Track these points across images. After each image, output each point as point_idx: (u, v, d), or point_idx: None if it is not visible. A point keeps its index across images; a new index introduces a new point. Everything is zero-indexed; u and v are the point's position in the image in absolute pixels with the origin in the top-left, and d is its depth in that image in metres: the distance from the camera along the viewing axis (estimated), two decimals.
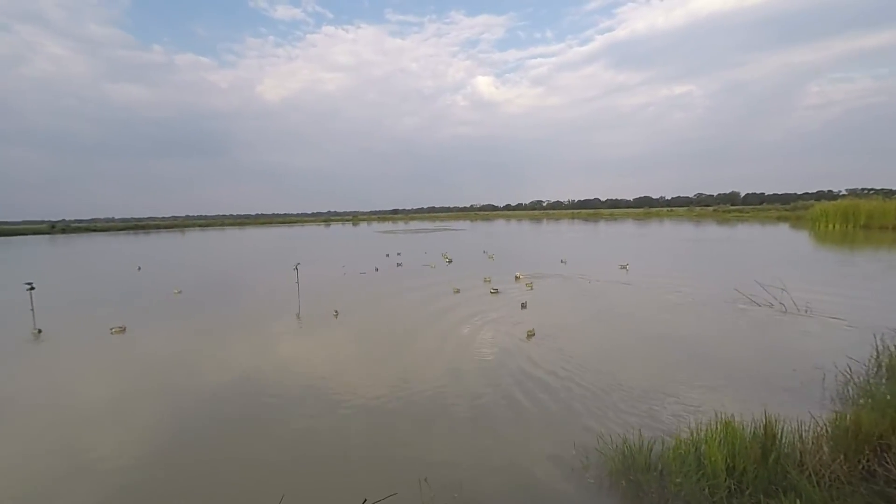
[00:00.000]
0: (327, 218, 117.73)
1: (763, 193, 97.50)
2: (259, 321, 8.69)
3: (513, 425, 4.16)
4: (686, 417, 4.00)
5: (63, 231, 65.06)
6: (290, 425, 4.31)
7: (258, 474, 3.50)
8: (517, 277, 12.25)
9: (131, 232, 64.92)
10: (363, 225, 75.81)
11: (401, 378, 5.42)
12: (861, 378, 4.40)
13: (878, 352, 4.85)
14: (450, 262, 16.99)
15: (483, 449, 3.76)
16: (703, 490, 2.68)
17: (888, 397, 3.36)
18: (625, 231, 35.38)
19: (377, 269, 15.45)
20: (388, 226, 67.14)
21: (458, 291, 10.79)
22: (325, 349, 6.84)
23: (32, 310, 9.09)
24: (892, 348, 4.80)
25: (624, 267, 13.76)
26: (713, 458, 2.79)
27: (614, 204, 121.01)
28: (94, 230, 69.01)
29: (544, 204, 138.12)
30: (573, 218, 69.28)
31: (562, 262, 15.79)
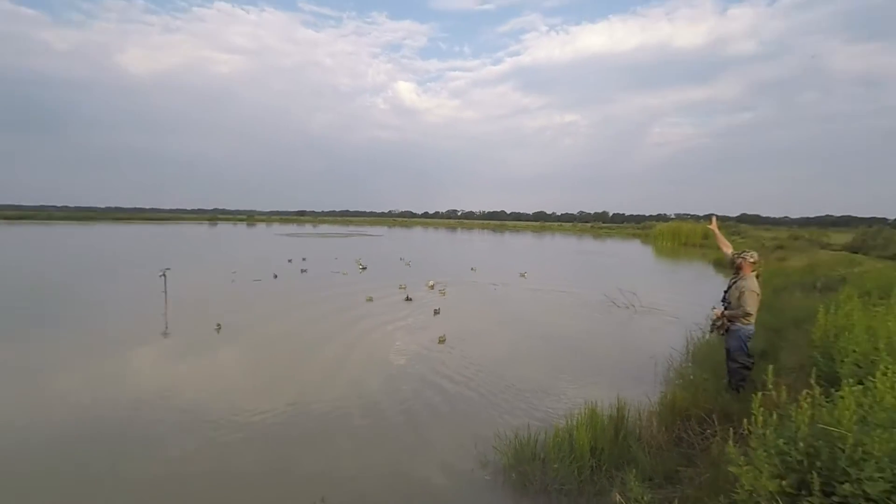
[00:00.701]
0: (214, 216, 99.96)
1: (624, 214, 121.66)
2: (105, 341, 6.93)
3: (418, 432, 4.24)
4: (564, 408, 4.67)
5: None
6: (158, 454, 3.60)
7: None
8: (430, 286, 12.52)
9: None
10: (261, 226, 67.19)
11: (298, 394, 4.99)
12: (677, 363, 5.83)
13: (688, 341, 6.50)
14: (364, 269, 16.35)
15: (387, 459, 3.74)
16: (574, 471, 3.17)
17: (691, 377, 4.55)
18: (525, 242, 39.74)
19: (276, 276, 13.86)
20: (292, 228, 60.97)
21: (371, 300, 10.48)
22: (203, 370, 5.84)
23: None
24: (696, 338, 6.50)
25: (523, 275, 15.40)
26: (581, 442, 3.33)
27: (517, 217, 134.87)
28: None
29: (459, 213, 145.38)
30: (483, 228, 74.47)
31: (472, 269, 16.83)
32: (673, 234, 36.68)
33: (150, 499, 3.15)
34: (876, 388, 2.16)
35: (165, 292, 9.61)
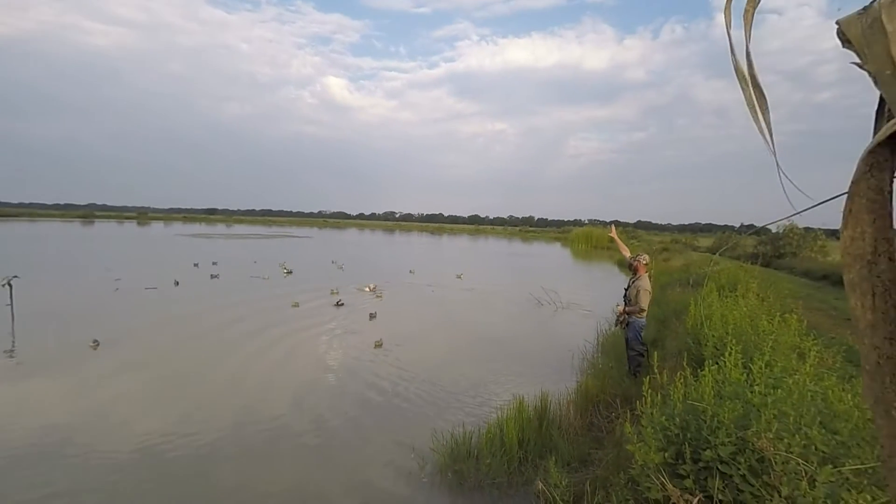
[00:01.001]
0: (89, 212, 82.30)
1: (547, 219, 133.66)
2: None
3: (357, 439, 4.12)
4: (496, 404, 4.97)
5: None
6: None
7: None
8: (368, 289, 12.15)
9: None
10: (158, 225, 57.47)
11: (212, 410, 4.45)
12: (590, 354, 6.64)
13: (598, 334, 7.44)
14: (289, 273, 15.07)
15: (326, 468, 3.58)
16: (504, 465, 3.41)
17: (600, 367, 5.25)
18: (461, 244, 40.99)
19: (177, 283, 11.97)
20: (199, 228, 53.41)
21: (297, 305, 9.75)
22: (74, 393, 4.82)
23: None
24: (604, 331, 7.48)
25: (459, 276, 15.88)
26: (510, 436, 3.59)
27: (454, 220, 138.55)
28: None
29: (397, 215, 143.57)
30: (422, 231, 74.64)
31: (410, 272, 16.77)
32: (586, 238, 41.45)
33: None
34: (726, 366, 2.77)
35: (11, 305, 7.64)
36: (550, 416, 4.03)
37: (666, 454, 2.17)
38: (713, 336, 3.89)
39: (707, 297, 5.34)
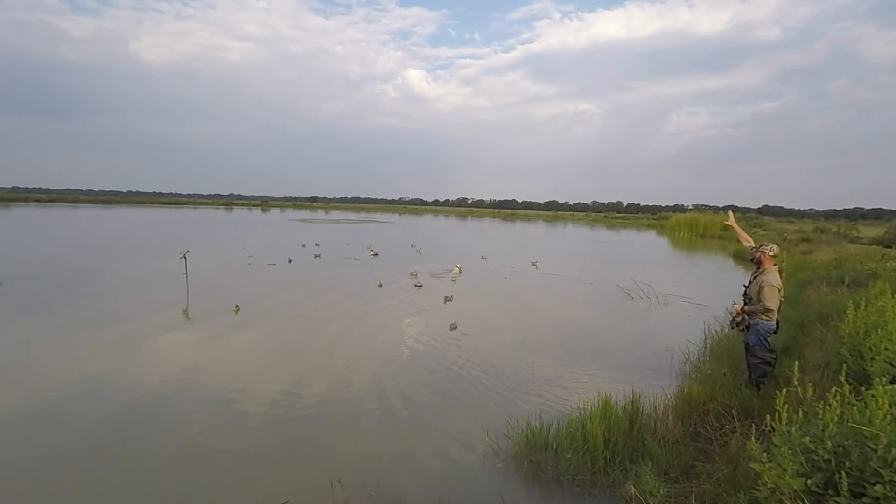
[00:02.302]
0: (229, 201, 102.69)
1: (639, 204, 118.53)
2: (131, 320, 7.20)
3: (431, 417, 4.30)
4: (577, 399, 4.65)
5: None
6: (171, 435, 3.74)
7: (131, 495, 2.93)
8: (457, 268, 12.75)
9: None
10: (275, 211, 68.33)
11: (312, 375, 5.12)
12: (694, 357, 5.73)
13: (705, 335, 6.36)
14: (375, 255, 16.52)
15: (401, 444, 3.81)
16: (587, 462, 3.18)
17: (709, 372, 4.47)
18: (536, 231, 39.25)
19: (291, 261, 14.15)
20: (305, 214, 61.78)
21: (381, 286, 10.59)
22: (221, 348, 6.04)
23: None
24: (714, 332, 6.36)
25: (534, 264, 15.27)
26: (594, 434, 3.32)
27: (529, 206, 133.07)
28: None
29: (469, 202, 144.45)
30: (494, 217, 73.84)
31: (483, 257, 16.78)
32: (690, 226, 35.65)
33: (171, 478, 3.29)
34: None
35: (186, 274, 9.92)
36: (643, 419, 3.60)
37: (810, 481, 1.73)
38: (887, 349, 2.99)
39: (877, 300, 4.08)
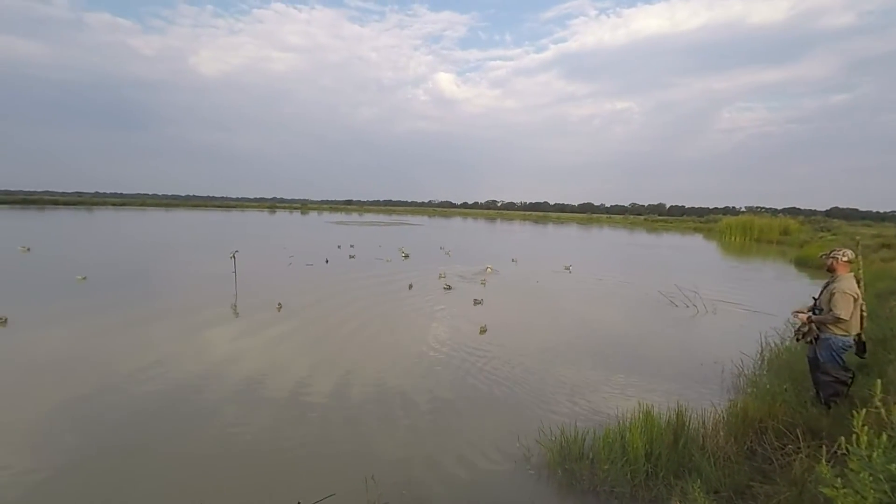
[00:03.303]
0: (272, 204, 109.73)
1: (684, 206, 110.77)
2: (188, 314, 7.84)
3: (461, 420, 4.28)
4: (615, 408, 4.43)
5: None
6: (219, 424, 4.00)
7: (180, 478, 3.19)
8: (489, 269, 12.71)
9: (18, 207, 54.37)
10: (313, 214, 71.90)
11: (347, 374, 5.28)
12: (749, 371, 5.23)
13: (762, 347, 5.80)
14: (406, 256, 16.85)
15: (431, 445, 3.82)
16: (626, 475, 3.00)
17: (767, 387, 4.06)
18: (569, 234, 38.01)
19: (327, 261, 14.79)
20: (340, 216, 64.41)
21: (411, 287, 10.75)
22: (264, 343, 6.40)
23: None
24: (773, 344, 5.78)
25: (567, 268, 14.78)
26: (635, 445, 3.14)
27: (561, 208, 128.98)
28: None
29: (499, 204, 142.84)
30: (524, 219, 72.50)
31: (513, 260, 16.52)
32: (743, 229, 32.77)
33: (205, 467, 3.50)
34: None
35: (235, 272, 10.68)
36: (690, 433, 3.35)
37: None
38: None
39: None
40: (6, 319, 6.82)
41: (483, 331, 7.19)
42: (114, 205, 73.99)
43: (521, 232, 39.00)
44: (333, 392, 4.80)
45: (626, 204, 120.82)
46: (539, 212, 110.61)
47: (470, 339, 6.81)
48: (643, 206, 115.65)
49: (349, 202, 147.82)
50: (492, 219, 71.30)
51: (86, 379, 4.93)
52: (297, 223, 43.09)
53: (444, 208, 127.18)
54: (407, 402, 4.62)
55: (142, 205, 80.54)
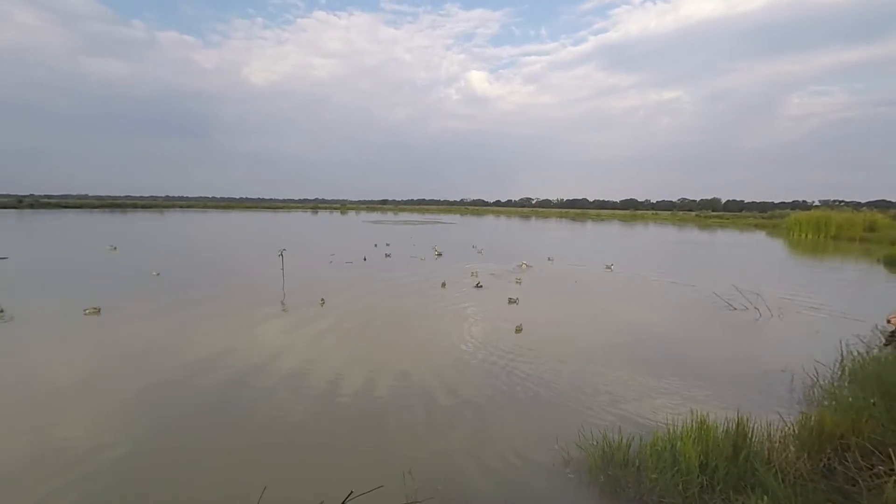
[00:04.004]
0: (315, 205, 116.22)
1: (742, 201, 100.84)
2: (242, 307, 8.50)
3: (497, 418, 4.23)
4: (663, 415, 4.14)
5: (31, 206, 61.93)
6: (272, 414, 4.26)
7: (239, 463, 3.46)
8: (524, 265, 12.53)
9: (107, 210, 62.30)
10: (351, 214, 74.92)
11: (386, 369, 5.42)
12: (826, 381, 4.64)
13: (842, 356, 5.11)
14: (439, 255, 17.01)
15: (468, 442, 3.81)
16: (677, 486, 2.79)
17: (850, 400, 3.56)
18: (611, 232, 36.10)
19: (365, 259, 15.34)
20: (376, 216, 66.54)
21: (444, 285, 10.82)
22: (309, 337, 6.76)
23: None
24: (856, 354, 5.07)
25: (609, 267, 14.05)
26: (687, 455, 2.90)
27: (601, 205, 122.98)
28: (67, 206, 66.01)
29: (533, 202, 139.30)
30: (561, 217, 70.06)
31: (549, 259, 16.03)
32: (817, 225, 29.19)
33: (251, 455, 3.76)
34: None
35: (283, 269, 11.42)
36: (753, 445, 3.03)
37: None
38: None
39: None
40: (100, 309, 7.84)
41: (519, 330, 7.05)
42: (180, 207, 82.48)
43: (557, 230, 37.73)
44: (373, 387, 4.96)
45: (675, 199, 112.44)
46: (577, 209, 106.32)
47: (506, 338, 6.71)
48: (694, 201, 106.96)
49: (385, 202, 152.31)
50: (526, 217, 69.75)
51: (159, 364, 5.52)
52: (337, 223, 45.08)
53: (477, 206, 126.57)
54: (442, 399, 4.66)
55: (203, 207, 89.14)
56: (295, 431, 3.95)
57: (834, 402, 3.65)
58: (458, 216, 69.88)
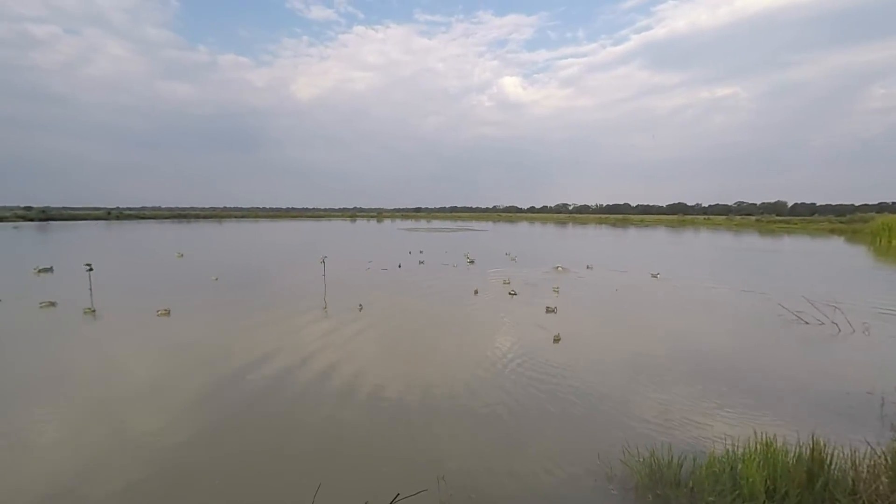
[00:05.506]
0: (353, 214, 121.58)
1: (814, 204, 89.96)
2: (289, 311, 9.04)
3: (534, 429, 4.10)
4: (720, 435, 3.77)
5: (117, 218, 71.00)
6: (315, 414, 4.45)
7: (293, 463, 3.61)
8: (560, 268, 12.18)
9: (175, 220, 69.66)
10: (387, 221, 77.28)
11: (422, 375, 5.47)
12: None
13: None
14: (472, 262, 16.98)
15: (503, 452, 3.73)
16: None
17: None
18: (656, 238, 33.84)
19: (400, 266, 15.69)
20: (410, 223, 68.01)
21: (477, 293, 10.75)
22: (348, 341, 7.01)
23: (90, 289, 9.94)
24: None
25: (655, 276, 13.17)
26: (751, 479, 2.62)
27: (645, 210, 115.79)
28: (143, 217, 74.84)
29: (570, 207, 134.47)
30: (601, 223, 67.01)
31: (588, 267, 15.37)
32: None
33: (302, 456, 3.94)
34: None
35: (324, 275, 12.03)
36: (832, 473, 2.66)
37: None
38: None
39: None
40: (169, 311, 8.75)
41: (557, 340, 6.81)
42: (236, 217, 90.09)
43: (596, 236, 36.08)
44: (408, 393, 5.01)
45: (730, 203, 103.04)
46: (618, 214, 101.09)
47: (543, 348, 6.50)
48: (754, 204, 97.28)
49: (418, 209, 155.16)
50: (562, 223, 67.56)
51: (218, 365, 6.00)
52: (374, 230, 46.65)
53: (510, 213, 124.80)
54: (478, 407, 4.59)
55: (255, 217, 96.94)
56: (337, 434, 4.06)
57: None
58: (490, 223, 69.33)
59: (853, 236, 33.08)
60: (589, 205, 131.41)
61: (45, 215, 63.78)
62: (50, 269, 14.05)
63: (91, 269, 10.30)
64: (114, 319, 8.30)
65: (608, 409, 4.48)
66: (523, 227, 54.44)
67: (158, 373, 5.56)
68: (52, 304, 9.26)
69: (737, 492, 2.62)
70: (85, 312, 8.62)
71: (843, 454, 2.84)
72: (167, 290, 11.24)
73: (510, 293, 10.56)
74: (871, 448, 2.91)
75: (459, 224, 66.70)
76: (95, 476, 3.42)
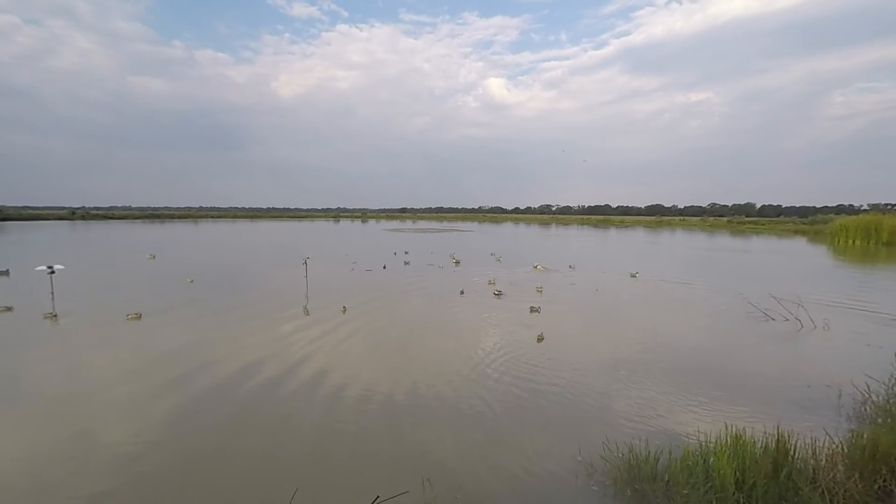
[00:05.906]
0: (337, 214, 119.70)
1: (780, 206, 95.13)
2: (269, 314, 8.80)
3: (518, 428, 4.15)
4: (694, 429, 3.93)
5: (82, 217, 67.25)
6: (299, 419, 4.36)
7: (271, 466, 3.54)
8: (540, 267, 12.32)
9: (147, 221, 66.58)
10: (371, 222, 76.49)
11: (406, 376, 5.45)
12: (880, 397, 4.26)
13: None
14: (457, 263, 17.03)
15: (488, 450, 3.76)
16: (711, 502, 2.63)
17: None
18: (635, 238, 34.93)
19: (385, 267, 15.56)
20: (396, 224, 67.54)
21: (463, 293, 10.79)
22: (331, 344, 6.90)
23: (52, 293, 9.37)
24: None
25: (634, 275, 13.59)
26: (722, 471, 2.74)
27: (625, 211, 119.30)
28: (112, 217, 71.16)
29: (553, 208, 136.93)
30: (583, 224, 68.58)
31: (570, 266, 15.70)
32: (866, 230, 27.10)
33: (279, 459, 3.86)
34: None
35: (306, 277, 11.79)
36: (795, 463, 2.82)
37: None
38: None
39: None
40: (141, 315, 8.35)
41: (540, 339, 6.92)
42: (212, 217, 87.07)
43: (578, 237, 36.91)
44: (393, 394, 4.99)
45: (704, 205, 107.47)
46: (599, 215, 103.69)
47: (527, 347, 6.60)
48: (726, 206, 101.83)
49: (404, 210, 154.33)
50: (546, 224, 68.71)
51: (192, 370, 5.80)
52: (358, 231, 46.06)
53: (495, 214, 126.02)
54: (462, 407, 4.62)
55: (233, 217, 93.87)
56: (319, 437, 4.02)
57: (889, 420, 3.36)
58: (475, 224, 69.69)
59: (815, 237, 35.13)
60: (571, 206, 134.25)
61: (1, 215, 59.65)
62: (6, 273, 13.17)
63: (53, 272, 9.70)
64: (78, 324, 7.86)
65: (589, 406, 4.59)
66: (508, 228, 55.02)
67: (127, 379, 5.31)
68: (8, 308, 8.69)
69: (709, 484, 2.74)
70: (45, 317, 8.12)
71: (805, 444, 3.01)
72: (138, 292, 10.74)
73: (495, 293, 10.66)
74: (830, 438, 3.11)
75: (445, 224, 66.75)
76: (58, 488, 3.23)
